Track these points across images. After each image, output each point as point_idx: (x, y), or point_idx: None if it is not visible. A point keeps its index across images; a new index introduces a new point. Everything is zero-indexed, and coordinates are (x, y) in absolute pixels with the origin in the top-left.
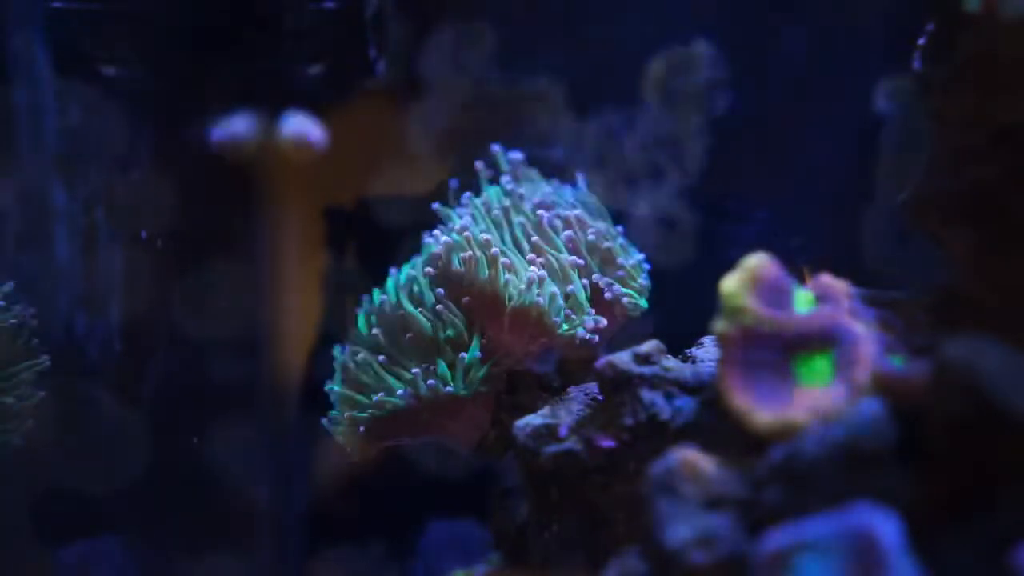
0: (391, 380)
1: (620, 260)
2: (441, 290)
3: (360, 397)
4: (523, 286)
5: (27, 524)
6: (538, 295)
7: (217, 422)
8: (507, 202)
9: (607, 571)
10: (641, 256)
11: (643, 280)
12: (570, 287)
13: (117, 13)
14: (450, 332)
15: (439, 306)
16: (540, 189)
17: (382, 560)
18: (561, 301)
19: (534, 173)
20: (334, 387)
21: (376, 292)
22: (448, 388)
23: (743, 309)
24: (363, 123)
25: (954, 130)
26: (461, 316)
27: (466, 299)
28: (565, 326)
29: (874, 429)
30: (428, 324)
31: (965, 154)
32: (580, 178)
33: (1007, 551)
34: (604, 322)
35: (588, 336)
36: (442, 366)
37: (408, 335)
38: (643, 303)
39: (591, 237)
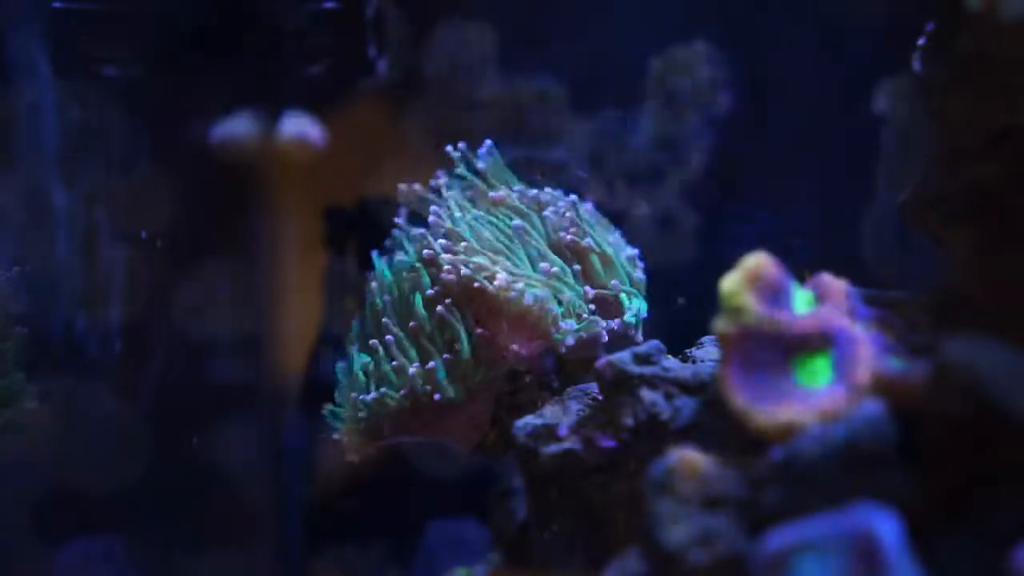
0: (391, 376)
1: (617, 257)
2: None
3: (361, 393)
4: (522, 289)
5: (27, 523)
6: (528, 299)
7: (217, 422)
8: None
9: (607, 571)
10: (635, 251)
11: (640, 276)
12: (565, 294)
13: (117, 13)
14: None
15: (440, 308)
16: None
17: (382, 560)
18: (553, 306)
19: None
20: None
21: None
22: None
23: (743, 308)
24: (363, 123)
25: (954, 130)
26: (461, 322)
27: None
28: (567, 328)
29: (874, 429)
30: (428, 320)
31: (965, 154)
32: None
33: (1007, 551)
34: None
35: (598, 333)
36: (441, 371)
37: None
38: (631, 302)
39: (585, 237)
